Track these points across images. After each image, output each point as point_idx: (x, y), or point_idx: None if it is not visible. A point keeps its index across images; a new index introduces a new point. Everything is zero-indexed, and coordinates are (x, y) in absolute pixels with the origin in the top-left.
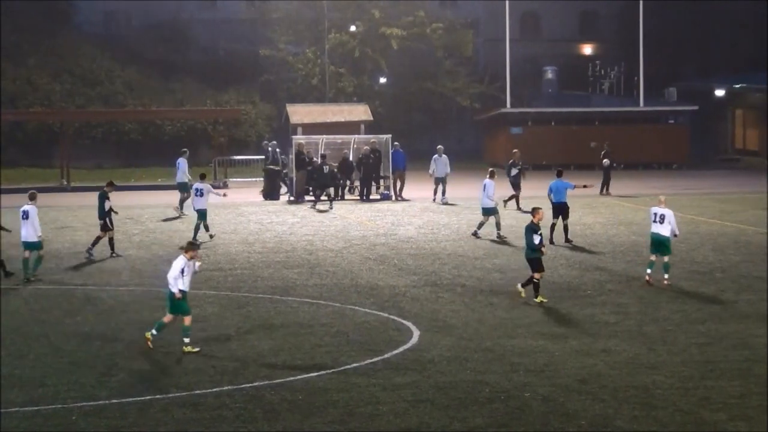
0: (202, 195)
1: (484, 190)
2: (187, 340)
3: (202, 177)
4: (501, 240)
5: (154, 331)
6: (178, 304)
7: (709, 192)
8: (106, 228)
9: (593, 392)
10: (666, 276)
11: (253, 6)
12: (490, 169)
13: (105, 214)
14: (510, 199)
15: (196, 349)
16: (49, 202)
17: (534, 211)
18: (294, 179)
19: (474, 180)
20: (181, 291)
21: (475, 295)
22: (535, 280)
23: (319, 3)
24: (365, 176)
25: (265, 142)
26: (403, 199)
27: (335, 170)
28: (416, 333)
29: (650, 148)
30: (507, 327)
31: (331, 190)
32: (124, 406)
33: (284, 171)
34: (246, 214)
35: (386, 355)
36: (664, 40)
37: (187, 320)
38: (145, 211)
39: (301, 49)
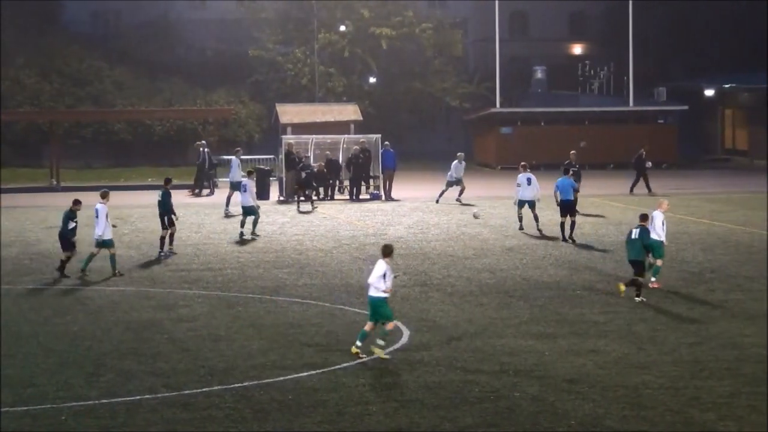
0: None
1: (529, 183)
2: (382, 342)
3: (250, 174)
4: (540, 234)
5: (358, 343)
6: (382, 310)
7: (699, 192)
8: (170, 225)
9: (583, 392)
10: (653, 279)
11: (242, 6)
12: (523, 163)
13: (170, 211)
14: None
15: (387, 356)
16: (38, 202)
17: (644, 216)
18: (284, 179)
19: (465, 180)
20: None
21: (464, 295)
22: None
23: (308, 3)
24: (355, 176)
25: (197, 143)
26: (393, 199)
27: (324, 170)
28: (406, 333)
29: (640, 148)
30: (496, 327)
31: (321, 190)
32: (114, 406)
33: (211, 172)
34: (236, 214)
35: (376, 355)
36: (654, 40)
37: (390, 325)
38: (135, 211)
39: (291, 49)
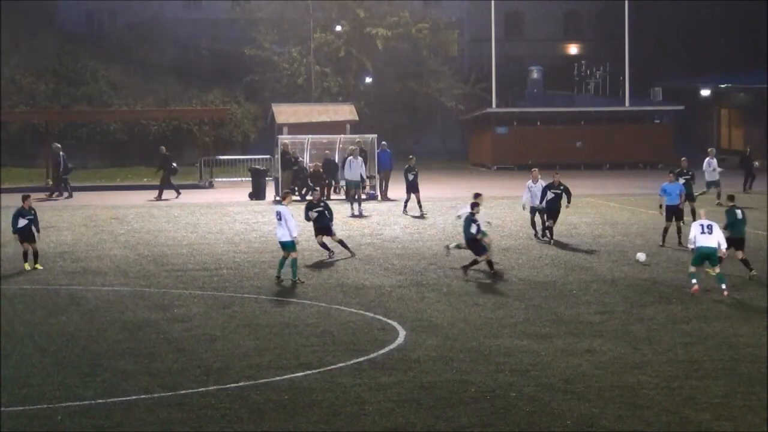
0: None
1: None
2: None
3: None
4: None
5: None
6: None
7: (694, 192)
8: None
9: (578, 392)
10: (723, 286)
11: (237, 5)
12: (534, 169)
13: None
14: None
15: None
16: (33, 202)
17: None
18: (280, 179)
19: (460, 180)
20: None
21: (460, 295)
22: None
23: (303, 3)
24: None
25: (54, 144)
26: (389, 199)
27: (320, 170)
28: (402, 333)
29: (636, 148)
30: (492, 327)
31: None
32: (110, 406)
33: (65, 176)
34: (231, 214)
35: (372, 355)
36: (650, 40)
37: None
38: (130, 211)
39: (286, 49)
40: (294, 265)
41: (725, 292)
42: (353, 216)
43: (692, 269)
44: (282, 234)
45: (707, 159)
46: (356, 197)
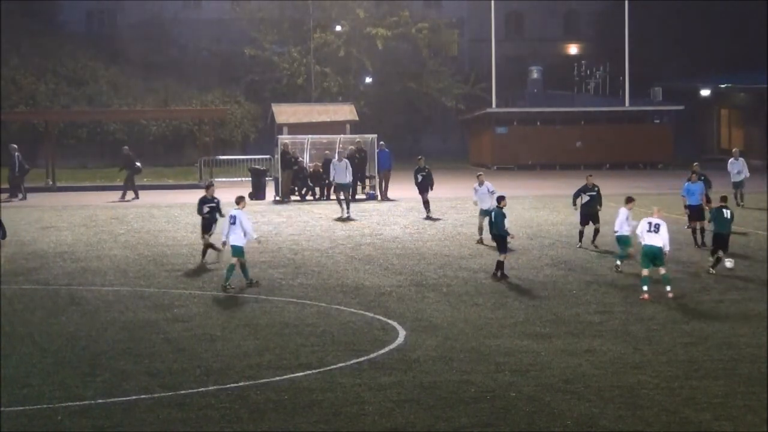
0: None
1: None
2: (669, 288)
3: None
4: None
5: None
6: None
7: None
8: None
9: (578, 392)
10: (668, 288)
11: (237, 5)
12: (479, 173)
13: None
14: None
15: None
16: (34, 203)
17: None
18: (280, 179)
19: (460, 180)
20: None
21: (460, 295)
22: None
23: (303, 3)
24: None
25: (11, 145)
26: (389, 199)
27: (320, 170)
28: (402, 333)
29: (636, 148)
30: (492, 327)
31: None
32: (110, 405)
33: (22, 177)
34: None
35: (372, 355)
36: (650, 40)
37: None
38: (130, 211)
39: (286, 49)
40: (245, 269)
41: (669, 294)
42: (341, 219)
43: (645, 272)
44: (234, 239)
45: (731, 160)
46: (344, 199)
